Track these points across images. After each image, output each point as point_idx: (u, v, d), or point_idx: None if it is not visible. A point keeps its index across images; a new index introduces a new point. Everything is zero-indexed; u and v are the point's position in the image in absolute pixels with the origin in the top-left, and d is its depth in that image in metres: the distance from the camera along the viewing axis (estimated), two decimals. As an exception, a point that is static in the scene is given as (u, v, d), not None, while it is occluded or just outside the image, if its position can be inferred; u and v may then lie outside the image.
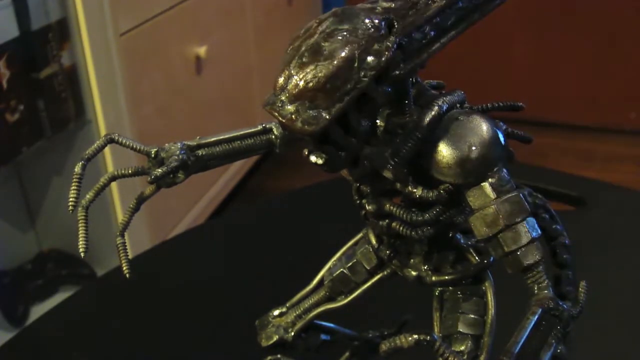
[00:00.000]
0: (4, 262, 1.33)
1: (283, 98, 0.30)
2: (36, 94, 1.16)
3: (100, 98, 1.25)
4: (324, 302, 0.43)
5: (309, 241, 0.74)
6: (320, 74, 0.29)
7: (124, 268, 0.35)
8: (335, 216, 0.65)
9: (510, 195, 0.32)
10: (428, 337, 0.29)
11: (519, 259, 0.32)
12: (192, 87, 1.62)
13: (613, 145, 2.18)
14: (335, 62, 0.29)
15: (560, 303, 0.33)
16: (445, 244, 0.37)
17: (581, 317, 0.35)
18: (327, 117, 0.30)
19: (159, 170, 0.35)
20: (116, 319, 0.67)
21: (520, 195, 0.33)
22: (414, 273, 0.38)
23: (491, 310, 0.36)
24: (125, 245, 0.36)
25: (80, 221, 0.35)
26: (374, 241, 0.39)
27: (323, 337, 0.45)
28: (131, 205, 0.36)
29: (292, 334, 0.44)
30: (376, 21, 0.30)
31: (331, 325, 0.46)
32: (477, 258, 0.37)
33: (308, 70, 0.30)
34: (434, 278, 0.37)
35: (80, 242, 0.35)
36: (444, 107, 0.33)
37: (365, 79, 0.30)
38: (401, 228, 0.35)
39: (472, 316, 0.36)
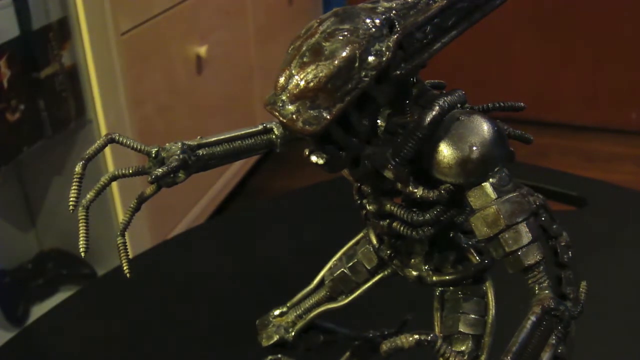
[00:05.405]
0: (4, 262, 1.33)
1: (284, 98, 0.30)
2: (37, 93, 1.16)
3: (100, 98, 1.25)
4: (325, 302, 0.43)
5: (309, 241, 0.74)
6: (321, 74, 0.29)
7: (125, 268, 0.35)
8: (335, 216, 0.65)
9: (511, 195, 0.32)
10: (429, 337, 0.29)
11: (519, 259, 0.32)
12: (192, 87, 1.62)
13: (613, 145, 2.18)
14: (336, 62, 0.29)
15: (561, 303, 0.33)
16: (446, 244, 0.37)
17: (581, 317, 0.35)
18: (328, 117, 0.30)
19: (160, 170, 0.35)
20: (116, 319, 0.67)
21: (521, 195, 0.33)
22: (414, 273, 0.38)
23: (492, 310, 0.36)
24: (126, 245, 0.36)
25: (81, 221, 0.35)
26: (374, 241, 0.39)
27: (323, 337, 0.45)
28: (132, 205, 0.36)
29: (293, 333, 0.44)
30: (377, 21, 0.30)
31: (331, 325, 0.46)
32: (477, 258, 0.37)
33: (309, 70, 0.30)
34: (434, 278, 0.37)
35: (81, 242, 0.35)
36: (445, 107, 0.33)
37: (366, 78, 0.30)
38: (402, 228, 0.35)
39: (473, 316, 0.36)
